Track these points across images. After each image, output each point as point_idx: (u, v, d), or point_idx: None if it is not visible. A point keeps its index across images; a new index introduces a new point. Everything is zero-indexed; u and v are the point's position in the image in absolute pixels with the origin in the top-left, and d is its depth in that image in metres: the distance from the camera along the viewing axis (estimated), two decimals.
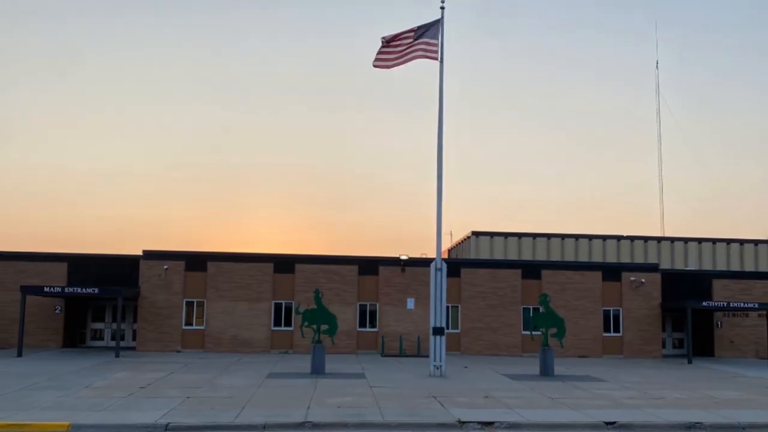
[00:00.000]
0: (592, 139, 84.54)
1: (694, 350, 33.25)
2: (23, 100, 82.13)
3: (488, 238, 43.16)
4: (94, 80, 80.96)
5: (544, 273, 34.30)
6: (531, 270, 34.51)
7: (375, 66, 24.46)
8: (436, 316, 23.69)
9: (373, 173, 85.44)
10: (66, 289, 28.54)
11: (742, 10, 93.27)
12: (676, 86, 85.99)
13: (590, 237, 43.62)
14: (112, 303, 33.22)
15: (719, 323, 35.46)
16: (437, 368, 23.35)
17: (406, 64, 24.48)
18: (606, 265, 36.24)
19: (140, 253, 32.56)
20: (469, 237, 43.97)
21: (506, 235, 43.40)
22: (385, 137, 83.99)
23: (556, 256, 42.67)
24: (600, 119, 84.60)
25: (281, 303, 32.89)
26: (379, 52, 24.40)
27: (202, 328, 32.33)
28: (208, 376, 22.07)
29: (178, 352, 31.50)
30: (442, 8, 24.77)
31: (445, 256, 44.42)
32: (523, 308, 33.77)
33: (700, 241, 44.52)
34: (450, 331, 32.35)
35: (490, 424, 14.70)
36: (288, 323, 32.67)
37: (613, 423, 15.12)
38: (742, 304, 31.77)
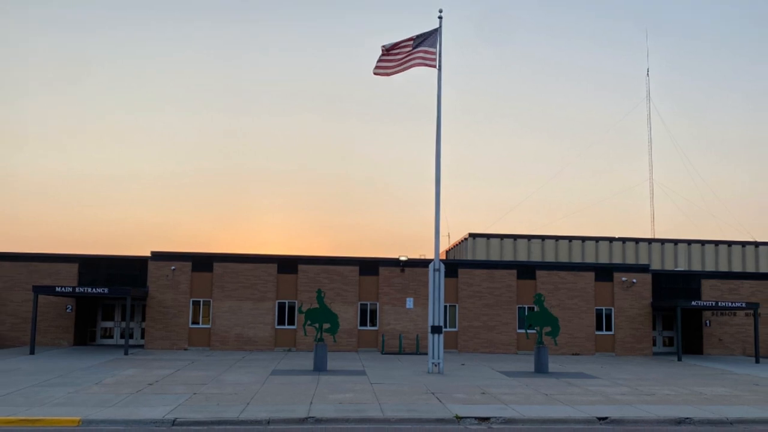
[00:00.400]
0: (584, 144, 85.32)
1: (683, 348, 33.97)
2: (37, 106, 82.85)
3: (485, 239, 43.66)
4: (106, 88, 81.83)
5: (539, 273, 34.80)
6: (526, 270, 35.01)
7: (375, 73, 24.61)
8: (435, 315, 23.99)
9: (374, 178, 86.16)
10: (77, 289, 28.80)
11: (731, 20, 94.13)
12: (666, 93, 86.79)
13: (583, 239, 44.21)
14: (122, 302, 33.84)
15: (708, 322, 36.04)
16: (435, 365, 23.68)
17: (405, 72, 24.59)
18: (598, 266, 36.57)
19: (148, 254, 33.05)
20: (466, 239, 44.40)
21: (502, 236, 43.87)
22: (385, 143, 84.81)
23: (550, 257, 43.23)
24: (592, 125, 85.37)
25: (285, 302, 33.41)
26: (380, 60, 24.57)
27: (208, 326, 32.85)
28: (213, 373, 22.38)
29: (185, 349, 32.00)
30: (440, 17, 24.94)
31: (443, 257, 45.22)
32: (519, 307, 34.34)
33: (689, 242, 45.13)
34: (448, 329, 33.16)
35: (486, 419, 15.03)
36: (291, 322, 33.24)
37: (606, 418, 15.35)
38: (730, 304, 32.27)
